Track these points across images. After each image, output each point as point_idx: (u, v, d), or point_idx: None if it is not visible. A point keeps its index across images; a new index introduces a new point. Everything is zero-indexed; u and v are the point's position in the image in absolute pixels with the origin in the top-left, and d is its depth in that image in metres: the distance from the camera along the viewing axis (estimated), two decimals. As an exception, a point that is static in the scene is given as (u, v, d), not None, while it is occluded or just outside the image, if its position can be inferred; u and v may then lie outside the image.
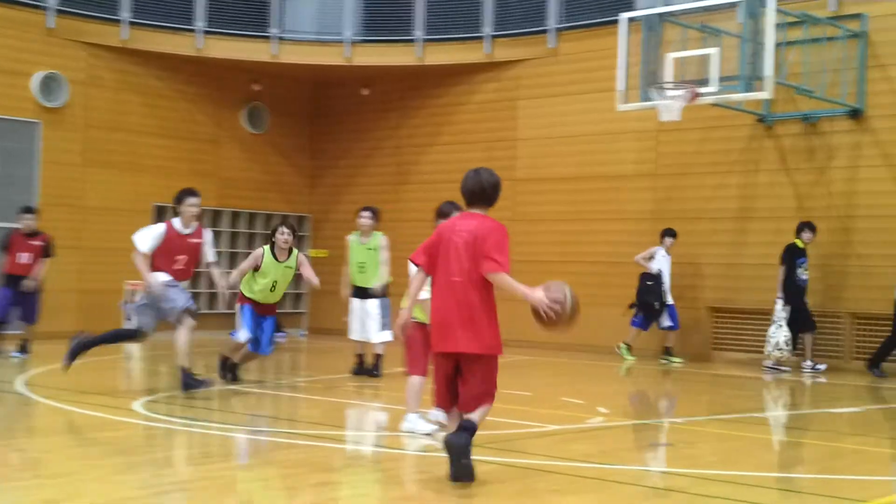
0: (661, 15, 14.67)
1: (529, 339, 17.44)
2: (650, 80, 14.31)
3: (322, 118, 20.98)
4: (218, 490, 6.43)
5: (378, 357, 12.57)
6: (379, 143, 20.17)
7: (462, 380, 6.61)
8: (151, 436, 8.68)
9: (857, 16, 15.00)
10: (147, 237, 10.71)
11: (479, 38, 18.69)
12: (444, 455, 6.51)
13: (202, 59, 18.83)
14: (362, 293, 12.52)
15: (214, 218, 19.73)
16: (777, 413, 11.19)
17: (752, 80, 13.79)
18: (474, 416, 6.60)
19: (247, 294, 11.36)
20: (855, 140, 15.02)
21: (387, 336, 12.35)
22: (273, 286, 11.40)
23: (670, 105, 14.07)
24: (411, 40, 18.91)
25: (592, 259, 17.24)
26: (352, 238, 12.68)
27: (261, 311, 11.38)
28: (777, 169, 15.64)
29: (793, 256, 14.44)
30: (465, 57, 18.84)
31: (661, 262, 15.60)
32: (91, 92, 18.10)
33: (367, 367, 12.63)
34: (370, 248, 12.53)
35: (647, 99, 14.41)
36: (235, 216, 19.98)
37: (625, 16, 14.82)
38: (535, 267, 17.79)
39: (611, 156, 17.24)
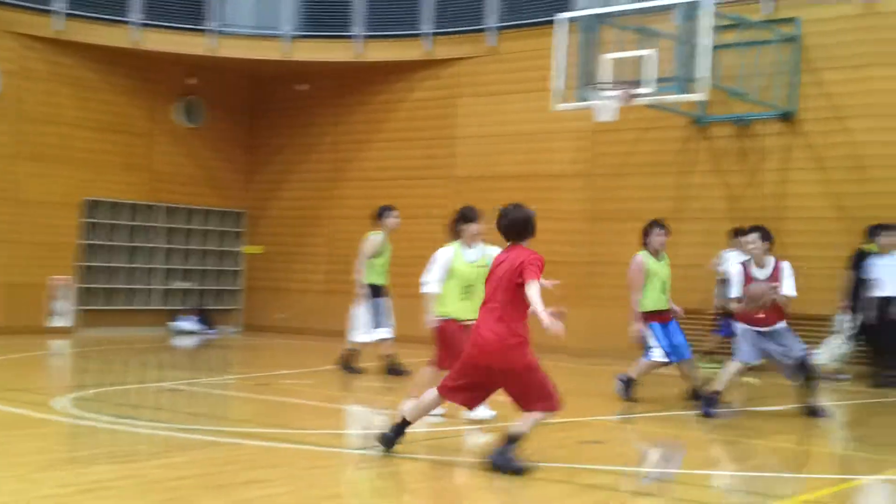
0: (598, 16, 14.75)
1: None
2: (587, 81, 14.40)
3: (260, 113, 20.82)
4: (141, 489, 6.34)
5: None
6: (317, 139, 20.06)
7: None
8: (75, 434, 8.54)
9: (790, 20, 15.20)
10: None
11: (420, 35, 18.67)
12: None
13: (138, 51, 18.57)
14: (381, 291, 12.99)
15: (148, 213, 19.49)
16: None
17: (686, 81, 13.92)
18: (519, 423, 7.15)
19: None
20: (787, 143, 15.23)
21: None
22: None
23: (606, 105, 14.16)
24: (351, 36, 18.83)
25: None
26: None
27: None
28: (710, 170, 15.81)
29: (861, 262, 13.74)
30: (405, 54, 18.81)
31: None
32: (23, 84, 17.78)
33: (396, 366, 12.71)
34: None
35: (583, 99, 14.48)
36: (171, 212, 19.74)
37: (562, 16, 14.87)
38: (471, 265, 17.85)
39: (548, 155, 17.32)
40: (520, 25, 17.83)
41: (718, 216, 15.58)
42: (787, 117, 15.11)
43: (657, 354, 10.89)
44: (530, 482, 6.76)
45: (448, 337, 8.87)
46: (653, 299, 11.06)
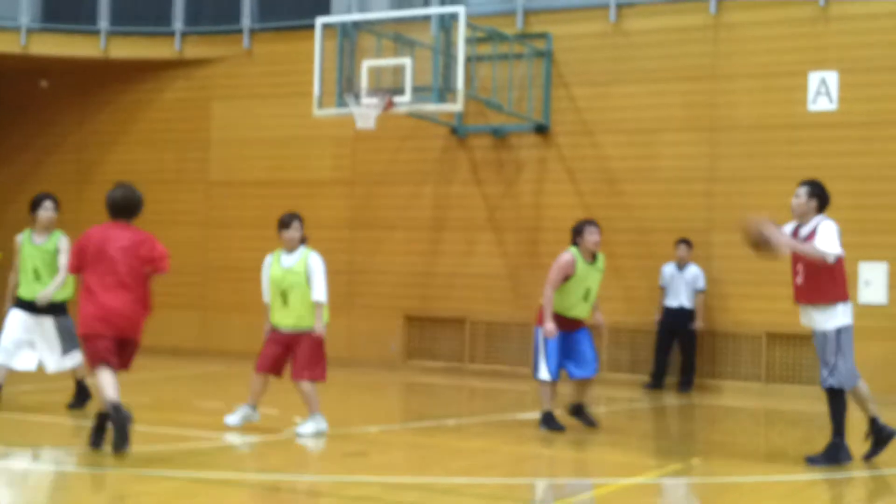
0: (356, 23, 14.71)
1: (225, 349, 17.06)
2: (346, 87, 14.31)
3: (-2, 109, 19.47)
4: None
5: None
6: (60, 139, 18.95)
7: None
8: None
9: (542, 35, 15.66)
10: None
11: (170, 34, 18.00)
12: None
13: None
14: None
15: None
16: (468, 420, 11.40)
17: (444, 91, 14.12)
18: None
19: None
20: (541, 155, 15.67)
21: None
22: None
23: (365, 113, 14.11)
24: (96, 31, 17.92)
25: (286, 266, 16.99)
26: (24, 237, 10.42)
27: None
28: (469, 180, 16.05)
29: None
30: (155, 53, 18.07)
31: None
32: None
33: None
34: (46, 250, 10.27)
35: (342, 105, 14.38)
36: None
37: (320, 20, 14.72)
38: (228, 274, 17.37)
39: (307, 161, 17.08)
40: (275, 28, 17.51)
41: (478, 225, 15.83)
42: (541, 130, 15.55)
43: (542, 373, 9.77)
44: (292, 496, 6.57)
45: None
46: (567, 304, 9.81)
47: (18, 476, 7.28)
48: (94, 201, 18.38)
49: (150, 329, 16.93)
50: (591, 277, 9.86)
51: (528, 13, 15.88)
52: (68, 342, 10.16)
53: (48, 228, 10.27)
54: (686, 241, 14.26)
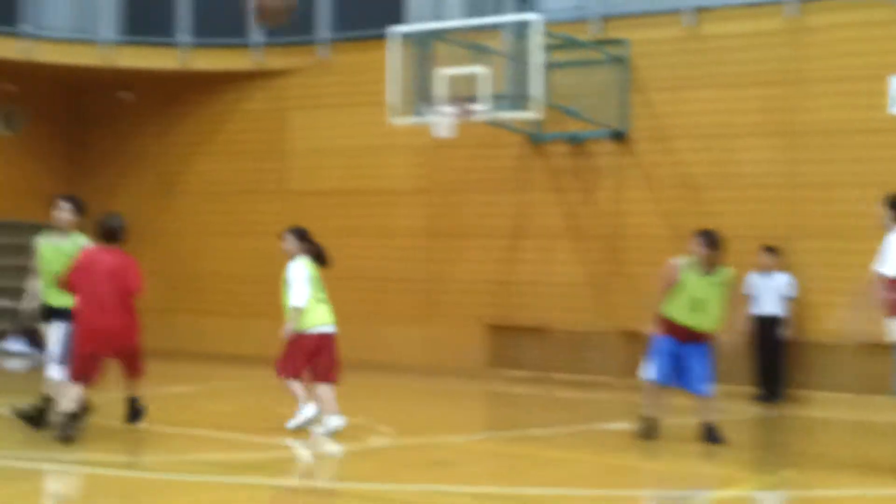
0: (431, 31, 14.76)
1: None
2: (422, 96, 14.37)
3: (82, 122, 19.88)
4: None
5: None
6: (143, 149, 19.29)
7: None
8: None
9: (619, 41, 15.57)
10: None
11: (249, 45, 18.24)
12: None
13: (-52, 54, 17.43)
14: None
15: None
16: (553, 430, 11.38)
17: (520, 99, 14.09)
18: None
19: None
20: (619, 162, 15.57)
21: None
22: None
23: (442, 121, 14.17)
24: (176, 44, 18.23)
25: (367, 275, 17.12)
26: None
27: None
28: (548, 188, 16.02)
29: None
30: (234, 64, 18.33)
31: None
32: None
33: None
34: None
35: (419, 114, 14.45)
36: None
37: (395, 30, 14.80)
38: (306, 282, 17.52)
39: (384, 170, 17.19)
40: (351, 38, 17.65)
41: (557, 233, 15.79)
42: (618, 136, 15.47)
43: (650, 371, 9.74)
44: (394, 510, 6.62)
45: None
46: (674, 311, 9.65)
47: (111, 482, 7.44)
48: (176, 211, 18.75)
49: (232, 337, 17.36)
50: (700, 288, 9.58)
51: (604, 19, 15.81)
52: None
53: (65, 230, 9.79)
54: (769, 249, 14.06)
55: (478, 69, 14.25)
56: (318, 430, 9.52)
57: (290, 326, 9.75)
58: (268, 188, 18.13)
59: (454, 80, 14.35)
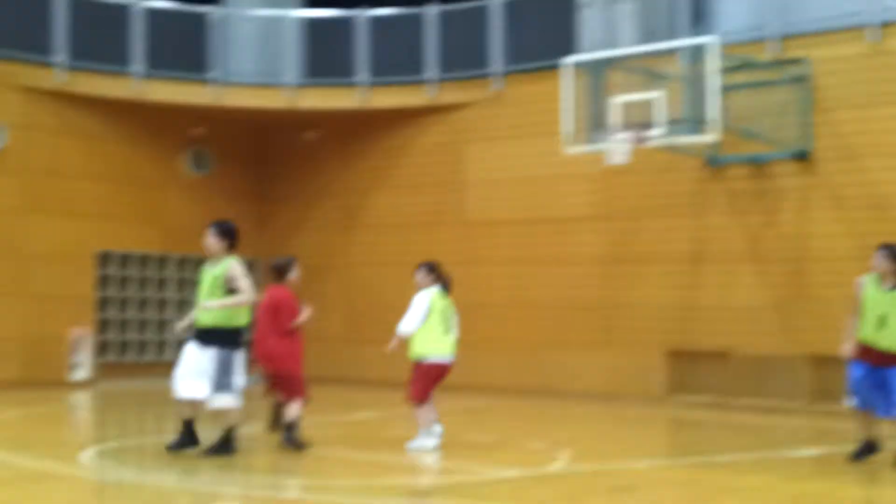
0: (604, 60, 14.74)
1: (488, 384, 17.42)
2: (596, 124, 14.37)
3: (267, 161, 20.74)
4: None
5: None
6: (325, 186, 19.97)
7: None
8: (102, 489, 8.36)
9: (798, 60, 15.19)
10: None
11: (424, 81, 18.66)
12: None
13: (142, 102, 18.51)
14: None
15: (159, 264, 19.34)
16: (738, 456, 11.10)
17: (697, 123, 13.90)
18: None
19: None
20: (803, 183, 15.16)
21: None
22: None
23: (617, 148, 14.14)
24: (355, 83, 18.82)
25: (545, 303, 17.21)
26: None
27: None
28: (727, 211, 15.73)
29: None
30: (410, 100, 18.78)
31: None
32: (29, 136, 17.68)
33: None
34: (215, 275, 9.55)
35: (594, 142, 14.45)
36: (183, 262, 19.52)
37: (569, 60, 14.86)
38: (487, 311, 17.69)
39: (559, 199, 17.25)
40: (524, 70, 17.82)
41: (738, 257, 15.50)
42: (801, 157, 15.06)
43: (851, 397, 9.57)
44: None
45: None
46: (864, 332, 9.36)
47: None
48: (360, 244, 19.27)
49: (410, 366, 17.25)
50: (883, 304, 9.28)
51: (783, 38, 15.46)
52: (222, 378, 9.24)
53: (215, 256, 9.61)
54: None
55: (653, 94, 14.18)
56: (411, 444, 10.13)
57: (420, 355, 10.17)
58: (445, 219, 18.43)
59: (628, 106, 14.31)
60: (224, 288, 9.29)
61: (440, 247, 18.22)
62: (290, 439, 9.86)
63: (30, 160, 17.68)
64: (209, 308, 9.25)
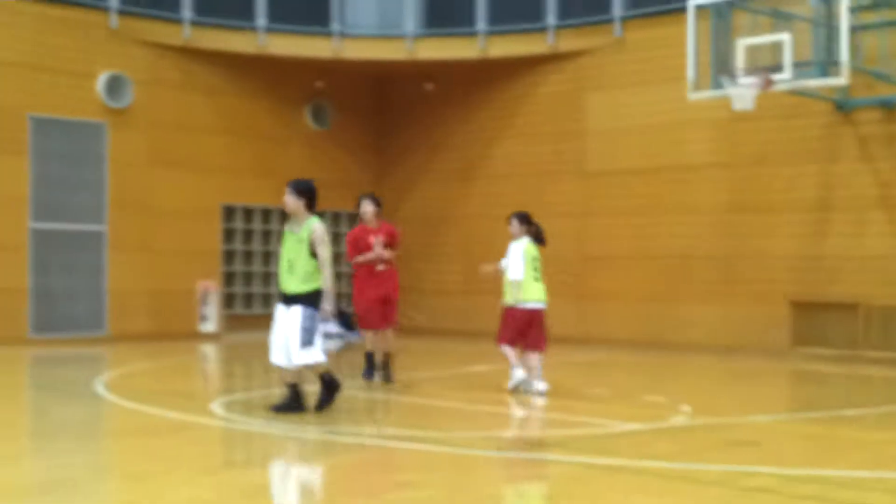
0: (730, 2, 14.33)
1: (605, 337, 17.33)
2: (721, 69, 14.02)
3: (386, 114, 20.85)
4: (294, 493, 6.30)
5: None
6: (445, 137, 19.99)
7: None
8: (230, 438, 8.61)
9: (936, -3, 14.50)
10: None
11: (543, 29, 18.42)
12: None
13: (264, 56, 18.78)
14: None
15: (282, 217, 19.70)
16: (866, 411, 10.80)
17: (827, 65, 13.45)
18: None
19: None
20: (938, 125, 14.55)
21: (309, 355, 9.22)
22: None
23: (743, 93, 13.78)
24: (474, 33, 18.70)
25: (666, 253, 16.95)
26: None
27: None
28: (857, 157, 15.19)
29: None
30: (529, 49, 18.57)
31: None
32: (155, 92, 18.13)
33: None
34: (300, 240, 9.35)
35: (718, 87, 14.11)
36: (301, 214, 19.82)
37: (692, 2, 14.48)
38: (607, 263, 17.56)
39: (682, 146, 16.90)
40: (645, 14, 17.44)
41: (869, 204, 14.98)
42: (937, 99, 14.43)
43: None
44: (685, 485, 6.51)
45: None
46: None
47: (431, 457, 7.74)
48: (479, 195, 19.26)
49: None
50: None
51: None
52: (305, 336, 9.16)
53: (296, 215, 9.48)
54: None
55: (780, 36, 13.77)
56: (525, 392, 10.66)
57: (507, 300, 10.71)
58: (566, 169, 18.25)
59: (754, 49, 13.93)
60: (309, 251, 9.18)
61: (559, 197, 18.12)
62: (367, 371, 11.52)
63: (156, 115, 18.14)
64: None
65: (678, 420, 9.25)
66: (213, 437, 8.60)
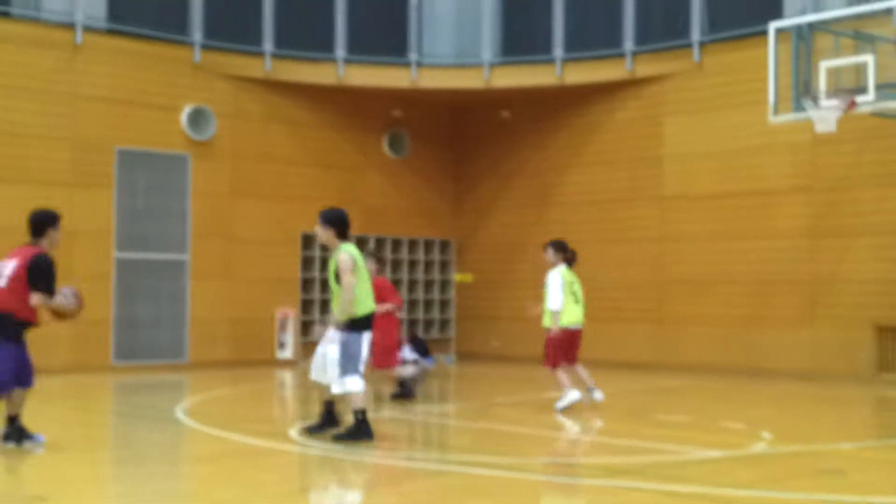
0: (811, 24, 14.16)
1: (684, 362, 17.10)
2: (803, 91, 13.85)
3: (462, 141, 20.93)
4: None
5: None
6: (520, 165, 19.98)
7: None
8: (306, 463, 8.66)
9: None
10: None
11: (621, 55, 18.35)
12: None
13: (343, 87, 19.00)
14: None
15: (359, 245, 19.83)
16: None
17: (911, 86, 13.21)
18: None
19: None
20: None
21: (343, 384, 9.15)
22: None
23: (826, 116, 13.59)
24: (551, 60, 18.70)
25: (745, 279, 16.70)
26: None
27: None
28: (943, 179, 14.84)
29: None
30: (606, 75, 18.50)
31: None
32: (237, 124, 18.45)
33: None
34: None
35: (800, 110, 13.94)
36: (380, 242, 20.01)
37: (773, 25, 14.34)
38: (684, 288, 17.35)
39: (762, 170, 16.66)
40: (724, 38, 17.28)
41: (957, 227, 14.63)
42: None
43: None
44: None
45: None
46: None
47: (515, 486, 7.71)
48: (555, 222, 19.19)
49: (605, 343, 17.65)
50: None
51: None
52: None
53: (329, 245, 9.62)
54: None
55: (863, 58, 13.58)
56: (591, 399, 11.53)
57: (550, 326, 11.31)
58: (643, 195, 18.11)
59: (836, 71, 13.78)
60: (337, 280, 9.11)
61: (636, 223, 17.97)
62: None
63: (237, 146, 18.45)
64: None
65: (759, 447, 9.08)
66: (293, 463, 8.67)
